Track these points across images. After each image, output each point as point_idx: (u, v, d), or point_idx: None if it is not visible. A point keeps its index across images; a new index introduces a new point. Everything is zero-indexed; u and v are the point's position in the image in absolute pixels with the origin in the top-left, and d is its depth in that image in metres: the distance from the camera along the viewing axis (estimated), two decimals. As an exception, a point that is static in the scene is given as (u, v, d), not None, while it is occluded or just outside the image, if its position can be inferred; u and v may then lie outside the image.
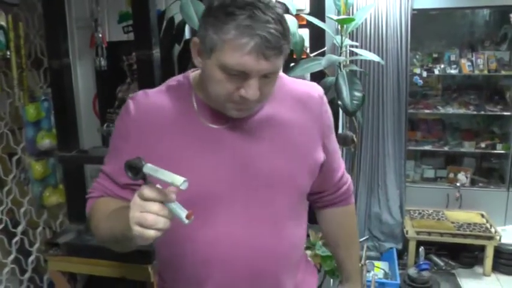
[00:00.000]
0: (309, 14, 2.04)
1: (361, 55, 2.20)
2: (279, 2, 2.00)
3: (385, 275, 3.52)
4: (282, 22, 0.92)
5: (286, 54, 0.97)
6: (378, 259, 3.79)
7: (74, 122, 2.15)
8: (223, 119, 1.05)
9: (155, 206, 0.81)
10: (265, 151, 1.06)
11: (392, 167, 3.90)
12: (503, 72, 4.26)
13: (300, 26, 1.97)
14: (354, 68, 2.46)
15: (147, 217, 0.80)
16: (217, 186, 1.04)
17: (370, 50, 3.54)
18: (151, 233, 0.81)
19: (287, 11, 1.97)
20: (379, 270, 3.52)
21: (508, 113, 4.28)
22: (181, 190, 0.79)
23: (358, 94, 1.86)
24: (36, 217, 2.36)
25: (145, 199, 0.81)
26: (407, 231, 3.87)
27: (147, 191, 0.81)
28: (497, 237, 3.75)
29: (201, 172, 1.02)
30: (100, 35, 2.08)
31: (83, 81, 2.40)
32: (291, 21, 1.93)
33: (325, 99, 1.17)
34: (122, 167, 0.87)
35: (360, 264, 2.72)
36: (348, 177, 1.33)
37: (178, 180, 0.79)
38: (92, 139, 2.35)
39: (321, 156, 1.15)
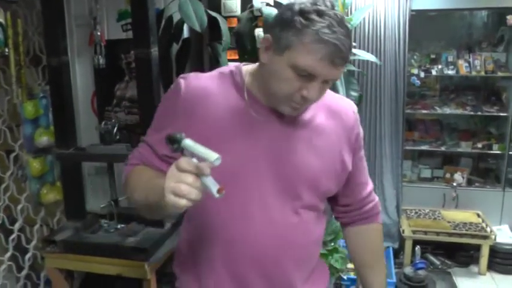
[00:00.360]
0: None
1: (358, 55, 2.21)
2: (276, 2, 2.01)
3: (381, 274, 3.53)
4: (350, 37, 1.01)
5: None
6: (374, 258, 3.80)
7: (72, 119, 2.16)
8: (270, 114, 1.12)
9: (190, 178, 0.85)
10: (299, 149, 1.13)
11: (389, 166, 3.91)
12: (499, 74, 4.27)
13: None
14: (351, 68, 2.47)
15: (182, 187, 0.85)
16: (249, 171, 1.10)
17: (368, 51, 3.54)
18: (183, 202, 0.85)
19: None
20: (375, 269, 3.53)
21: (505, 114, 4.28)
22: (214, 166, 0.85)
23: (354, 94, 1.88)
24: (34, 214, 2.36)
25: (182, 170, 0.86)
26: (403, 231, 3.88)
27: (183, 163, 0.86)
28: (493, 237, 3.77)
29: (237, 155, 1.09)
30: (99, 33, 2.09)
31: (82, 79, 2.41)
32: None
33: (358, 116, 1.26)
34: (164, 139, 0.94)
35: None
36: (375, 197, 1.37)
37: (213, 156, 0.85)
38: (90, 137, 2.36)
39: (349, 166, 1.22)
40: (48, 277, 2.18)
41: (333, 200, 1.30)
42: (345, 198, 1.30)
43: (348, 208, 1.33)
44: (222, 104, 1.11)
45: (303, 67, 0.99)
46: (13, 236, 2.26)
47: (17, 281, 2.36)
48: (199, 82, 1.14)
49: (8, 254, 2.21)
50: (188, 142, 0.89)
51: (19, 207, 2.29)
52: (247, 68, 1.17)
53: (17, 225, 2.27)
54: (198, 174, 0.86)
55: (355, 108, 1.25)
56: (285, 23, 1.00)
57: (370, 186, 1.35)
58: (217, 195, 0.87)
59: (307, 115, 1.16)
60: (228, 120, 1.11)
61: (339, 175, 1.20)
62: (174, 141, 0.90)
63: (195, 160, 0.87)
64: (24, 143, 2.24)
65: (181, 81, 1.14)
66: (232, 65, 1.19)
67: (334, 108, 1.21)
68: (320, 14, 0.97)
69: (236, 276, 1.15)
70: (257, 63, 1.15)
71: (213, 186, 0.87)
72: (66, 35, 2.10)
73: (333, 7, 1.00)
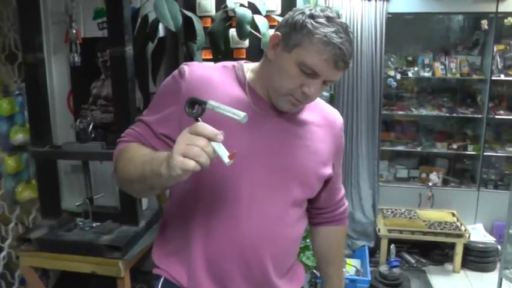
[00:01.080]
0: (280, 15, 2.07)
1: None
2: (250, 3, 2.04)
3: (357, 272, 3.58)
4: (352, 45, 1.10)
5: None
6: (351, 257, 3.85)
7: (48, 117, 2.15)
8: (269, 109, 1.18)
9: (202, 141, 0.89)
10: (294, 145, 1.20)
11: (365, 166, 3.98)
12: (475, 76, 4.37)
13: (271, 27, 2.01)
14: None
15: (194, 149, 0.88)
16: (244, 160, 1.12)
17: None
18: (192, 164, 0.88)
19: (257, 11, 2.01)
20: (351, 267, 3.58)
21: (479, 116, 4.39)
22: (241, 123, 0.91)
23: (325, 94, 1.91)
24: (9, 212, 2.35)
25: (197, 133, 0.89)
26: (379, 230, 3.95)
27: (199, 127, 0.90)
28: (467, 235, 3.85)
29: (235, 142, 1.09)
30: (74, 31, 2.08)
31: (58, 76, 2.39)
32: (261, 22, 1.97)
33: (343, 127, 1.36)
34: (163, 119, 1.05)
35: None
36: (346, 201, 1.48)
37: (240, 113, 0.90)
38: (66, 135, 2.35)
39: (330, 169, 1.30)
40: (23, 276, 2.16)
41: (308, 202, 1.34)
42: (322, 201, 1.37)
43: (322, 210, 1.41)
44: (224, 94, 1.15)
45: (309, 65, 1.06)
46: (-13, 234, 2.24)
47: (-9, 279, 2.34)
48: (203, 70, 1.19)
49: (-17, 253, 2.19)
50: (213, 102, 0.93)
51: (-6, 205, 2.28)
52: (248, 65, 1.24)
53: (-9, 224, 2.26)
54: (212, 139, 0.89)
55: (341, 119, 1.35)
56: (296, 24, 1.08)
57: (343, 191, 1.46)
58: (226, 161, 0.90)
59: (303, 115, 1.23)
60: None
61: (321, 177, 1.27)
62: (193, 104, 0.93)
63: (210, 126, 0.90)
64: (0, 140, 2.22)
65: (185, 67, 1.18)
66: (233, 62, 1.25)
67: (326, 116, 1.29)
68: (329, 19, 1.07)
69: (213, 262, 1.18)
70: (258, 62, 1.22)
71: (223, 152, 0.90)
72: (42, 32, 2.09)
73: (338, 16, 1.09)
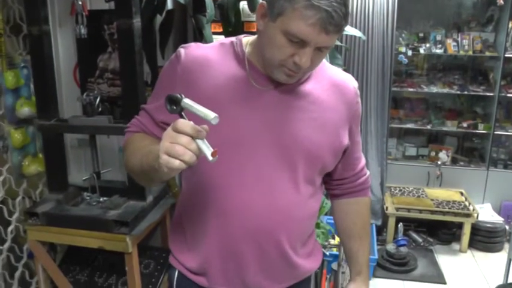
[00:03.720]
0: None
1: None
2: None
3: (364, 250, 3.57)
4: (346, 5, 1.00)
5: (342, 33, 1.06)
6: (358, 235, 3.85)
7: (54, 90, 2.13)
8: (269, 83, 1.13)
9: (185, 139, 0.86)
10: (297, 119, 1.14)
11: (374, 144, 3.94)
12: (487, 54, 4.29)
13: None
14: (336, 42, 2.45)
15: (176, 147, 0.85)
16: (246, 139, 1.11)
17: (355, 26, 3.53)
18: (177, 163, 0.85)
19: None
20: (358, 245, 3.58)
21: (491, 94, 4.32)
22: (212, 124, 0.87)
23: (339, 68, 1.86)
24: (16, 186, 2.34)
25: (178, 131, 0.86)
26: (387, 208, 3.93)
27: (180, 124, 0.87)
28: (475, 215, 3.84)
29: (235, 122, 1.10)
30: (80, 3, 2.03)
31: (64, 49, 2.36)
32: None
33: (358, 92, 1.26)
34: (162, 105, 0.96)
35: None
36: (367, 171, 1.40)
37: (210, 114, 0.86)
38: (72, 108, 2.33)
39: (345, 139, 1.23)
40: (31, 250, 2.16)
41: (326, 174, 1.29)
42: (340, 172, 1.31)
43: (342, 181, 1.35)
44: (221, 73, 1.13)
45: (294, 33, 0.99)
46: (-5, 207, 2.24)
47: (-1, 253, 2.35)
48: (199, 51, 1.16)
49: (-10, 226, 2.20)
50: (187, 101, 0.89)
51: (0, 178, 2.26)
52: (248, 39, 1.19)
53: (-2, 197, 2.25)
54: (194, 136, 0.86)
55: (355, 83, 1.26)
56: None
57: (363, 160, 1.38)
58: (210, 158, 0.87)
59: (307, 86, 1.16)
60: (227, 88, 1.12)
61: (336, 149, 1.21)
62: (173, 102, 0.90)
63: (192, 122, 0.88)
64: (6, 113, 2.19)
65: (182, 50, 1.16)
66: (232, 37, 1.20)
67: (336, 82, 1.21)
68: None
69: (228, 246, 1.17)
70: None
71: (207, 150, 0.87)
72: (47, 3, 2.05)
73: None
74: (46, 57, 2.05)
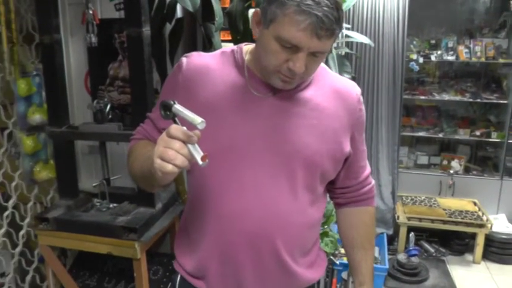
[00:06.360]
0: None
1: (352, 37, 2.20)
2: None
3: (375, 259, 3.54)
4: (338, 9, 1.00)
5: (336, 37, 1.04)
6: (369, 243, 3.81)
7: (65, 97, 2.16)
8: (268, 90, 1.14)
9: (177, 144, 0.89)
10: (296, 126, 1.14)
11: (385, 152, 3.91)
12: (500, 60, 4.22)
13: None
14: (345, 50, 2.45)
15: (169, 152, 0.88)
16: (245, 146, 1.12)
17: (365, 33, 3.52)
18: (169, 167, 0.88)
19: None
20: (369, 254, 3.54)
21: (505, 102, 4.26)
22: (199, 129, 0.89)
23: (347, 76, 1.86)
24: (27, 192, 2.38)
25: (170, 136, 0.89)
26: (398, 217, 3.89)
27: (173, 129, 0.90)
28: (489, 226, 3.76)
29: (234, 129, 1.12)
30: (91, 12, 2.07)
31: (75, 57, 2.40)
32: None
33: (361, 99, 1.25)
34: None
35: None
36: (372, 180, 1.38)
37: (197, 119, 0.89)
38: (83, 115, 2.37)
39: (347, 147, 1.21)
40: (42, 254, 2.19)
41: (331, 181, 1.28)
42: (343, 180, 1.30)
43: (346, 190, 1.33)
44: (221, 80, 1.14)
45: (286, 38, 1.00)
46: (7, 212, 2.27)
47: (11, 257, 2.38)
48: (200, 59, 1.18)
49: (3, 230, 2.23)
50: (178, 107, 0.92)
51: (13, 184, 2.30)
52: (248, 47, 1.20)
53: (10, 202, 2.29)
54: (185, 141, 0.89)
55: (358, 90, 1.25)
56: None
57: (368, 169, 1.36)
58: (200, 163, 0.90)
59: (307, 93, 1.16)
60: (227, 95, 1.13)
61: (336, 157, 1.20)
62: (166, 108, 0.93)
63: (184, 128, 0.90)
64: (18, 120, 2.24)
65: (184, 59, 1.18)
66: (234, 46, 1.22)
67: (337, 89, 1.21)
68: None
69: (225, 250, 1.17)
70: None
71: (197, 154, 0.90)
72: (58, 13, 2.09)
73: None
74: (57, 65, 2.09)
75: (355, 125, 1.23)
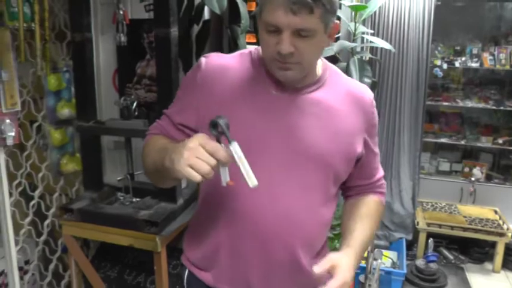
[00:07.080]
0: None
1: (372, 42, 2.21)
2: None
3: (393, 264, 3.53)
4: None
5: (322, 16, 1.03)
6: (387, 248, 3.80)
7: (93, 93, 2.23)
8: (283, 89, 1.16)
9: (213, 161, 0.93)
10: (310, 126, 1.16)
11: (407, 158, 3.88)
12: (526, 68, 4.18)
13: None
14: (367, 55, 2.46)
15: (204, 166, 0.92)
16: (257, 143, 1.13)
17: (390, 39, 3.52)
18: (199, 177, 0.92)
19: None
20: (387, 259, 3.54)
21: (529, 110, 4.21)
22: (250, 188, 0.94)
23: (367, 80, 1.89)
24: (53, 183, 2.44)
25: (210, 153, 0.93)
26: (418, 223, 3.87)
27: (214, 147, 0.93)
28: (509, 235, 3.71)
29: (249, 126, 1.14)
30: (121, 12, 2.13)
31: (105, 55, 2.47)
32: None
33: (374, 103, 1.28)
34: (181, 109, 1.18)
35: (368, 252, 2.74)
36: (384, 182, 1.40)
37: (253, 180, 0.95)
38: (110, 111, 2.43)
39: (359, 148, 1.23)
40: (65, 244, 2.26)
41: (344, 182, 1.29)
42: (356, 180, 1.32)
43: (358, 188, 1.35)
44: (237, 79, 1.17)
45: (267, 22, 1.04)
46: (33, 202, 2.33)
47: (36, 245, 2.45)
48: (219, 60, 1.21)
49: (28, 219, 2.29)
50: (236, 147, 0.96)
51: (40, 175, 2.37)
52: None
53: (37, 192, 2.35)
54: (222, 163, 0.94)
55: (371, 94, 1.28)
56: None
57: (381, 172, 1.38)
58: (224, 184, 0.96)
59: (321, 94, 1.19)
60: (243, 94, 1.16)
61: (348, 157, 1.22)
62: (216, 126, 0.96)
63: (228, 153, 0.94)
64: (47, 114, 2.31)
65: (203, 59, 1.22)
66: (252, 47, 1.26)
67: (351, 92, 1.23)
68: None
69: (236, 244, 1.19)
70: None
71: (225, 177, 0.95)
72: (90, 12, 2.15)
73: None
74: (87, 62, 2.15)
75: (369, 128, 1.25)
